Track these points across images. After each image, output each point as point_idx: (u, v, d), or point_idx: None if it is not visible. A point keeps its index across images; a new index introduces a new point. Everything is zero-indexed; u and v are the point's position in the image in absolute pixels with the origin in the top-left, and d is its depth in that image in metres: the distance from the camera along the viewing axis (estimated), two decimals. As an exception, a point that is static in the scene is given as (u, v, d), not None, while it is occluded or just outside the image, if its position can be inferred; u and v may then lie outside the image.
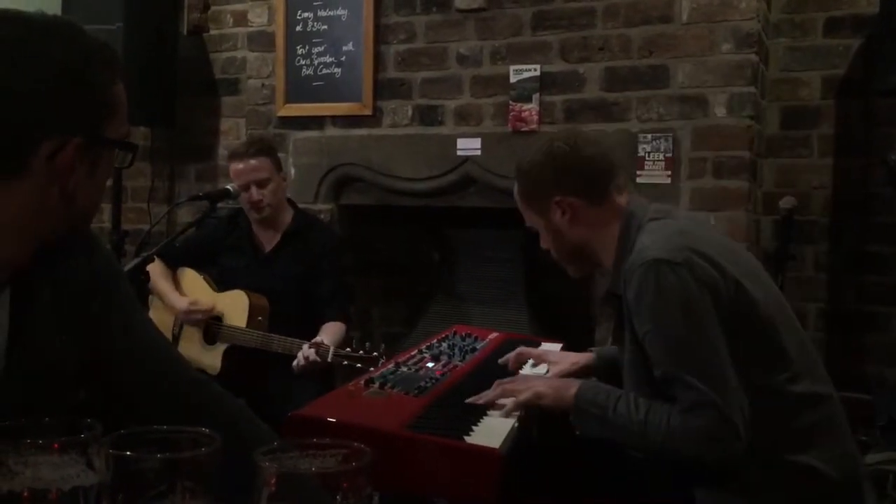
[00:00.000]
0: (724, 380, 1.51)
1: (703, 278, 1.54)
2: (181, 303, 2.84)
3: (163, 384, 1.17)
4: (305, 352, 2.54)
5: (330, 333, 2.70)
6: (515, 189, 1.88)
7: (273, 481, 0.65)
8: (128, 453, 0.66)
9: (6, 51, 1.00)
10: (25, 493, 0.69)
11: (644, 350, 1.59)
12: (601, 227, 1.77)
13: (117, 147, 1.11)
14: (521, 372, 2.09)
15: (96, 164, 1.07)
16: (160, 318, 2.92)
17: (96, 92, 1.05)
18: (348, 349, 2.52)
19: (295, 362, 2.57)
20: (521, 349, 2.14)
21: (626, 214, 1.74)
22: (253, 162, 2.83)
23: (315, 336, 2.64)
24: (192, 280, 2.96)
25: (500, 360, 2.13)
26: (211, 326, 2.85)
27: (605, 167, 1.80)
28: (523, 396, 1.70)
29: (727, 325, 1.54)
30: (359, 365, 2.45)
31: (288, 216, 2.95)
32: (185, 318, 2.85)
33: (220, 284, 2.95)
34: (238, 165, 2.84)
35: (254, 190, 2.82)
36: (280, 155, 3.21)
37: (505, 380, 1.80)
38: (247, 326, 2.77)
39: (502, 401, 1.71)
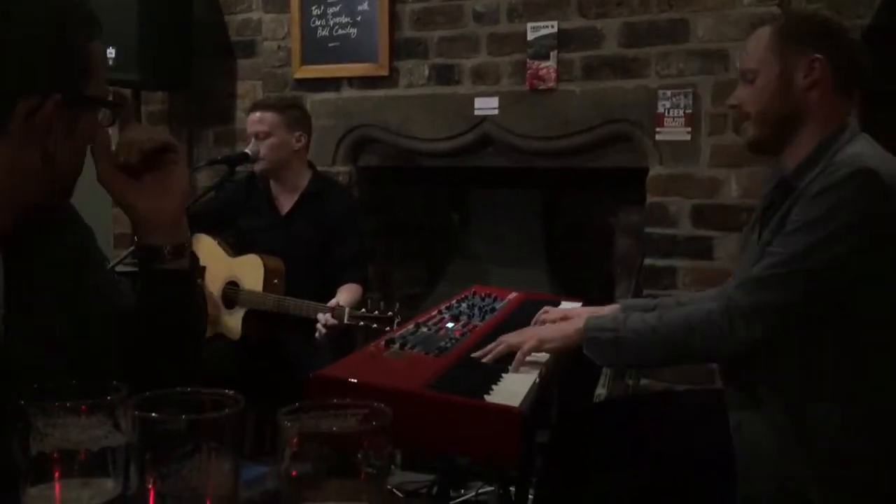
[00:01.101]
0: (797, 285, 1.53)
1: (891, 212, 1.52)
2: None
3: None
4: (322, 319, 2.56)
5: (346, 295, 2.73)
6: (770, 27, 1.73)
7: (295, 441, 0.66)
8: (153, 415, 0.68)
9: None
10: (56, 455, 0.71)
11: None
12: (824, 114, 1.67)
13: (100, 104, 1.11)
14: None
15: (75, 123, 1.07)
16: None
17: (73, 51, 1.05)
18: (363, 310, 2.54)
19: (317, 335, 2.60)
20: (546, 309, 2.13)
21: (843, 121, 1.68)
22: (258, 114, 2.91)
23: (332, 298, 2.66)
24: (207, 246, 2.97)
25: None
26: (228, 291, 2.88)
27: (866, 68, 1.72)
28: (527, 346, 1.69)
29: (885, 265, 1.53)
30: (374, 325, 2.47)
31: (305, 178, 2.96)
32: None
33: (240, 247, 2.97)
34: (250, 116, 2.94)
35: (253, 141, 2.87)
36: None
37: (508, 335, 1.78)
38: (263, 290, 2.79)
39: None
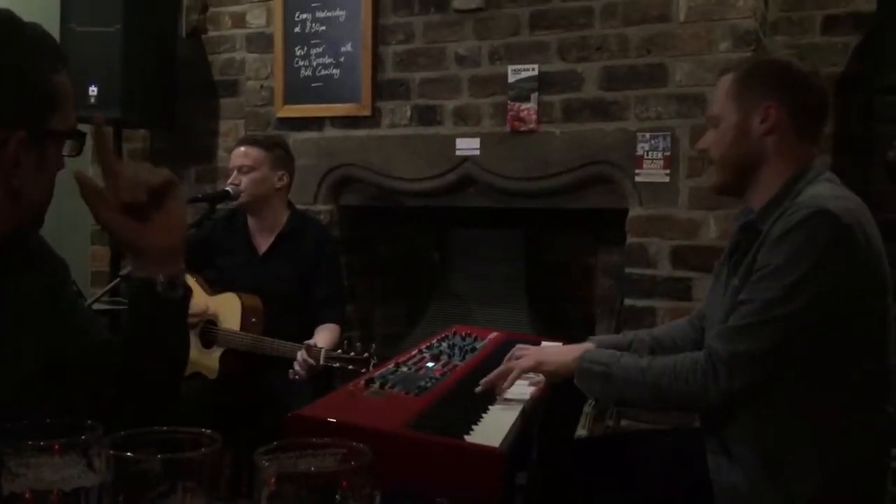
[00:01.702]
0: (773, 333, 1.53)
1: (857, 253, 1.53)
2: None
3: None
4: (300, 358, 2.56)
5: (323, 336, 2.72)
6: (732, 74, 1.78)
7: (272, 481, 0.66)
8: (128, 454, 0.67)
9: None
10: (27, 495, 0.69)
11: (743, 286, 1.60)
12: (783, 158, 1.69)
13: (65, 137, 1.11)
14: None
15: (43, 156, 1.07)
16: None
17: (37, 85, 1.05)
18: (339, 351, 2.53)
19: (291, 374, 2.58)
20: (518, 347, 2.14)
21: (806, 163, 1.69)
22: (243, 148, 2.92)
23: (311, 338, 2.65)
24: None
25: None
26: (206, 329, 2.85)
27: (825, 111, 1.74)
28: (525, 363, 1.75)
29: (847, 306, 1.54)
30: (350, 367, 2.46)
31: (283, 217, 2.96)
32: None
33: (218, 285, 2.95)
34: (234, 150, 2.95)
35: (234, 174, 2.88)
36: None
37: (510, 354, 1.86)
38: (241, 328, 2.77)
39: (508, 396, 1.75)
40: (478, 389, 1.77)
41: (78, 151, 1.15)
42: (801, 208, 1.55)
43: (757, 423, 1.61)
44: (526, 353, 1.80)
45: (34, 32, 1.08)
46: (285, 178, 2.94)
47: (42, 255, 1.20)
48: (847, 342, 1.57)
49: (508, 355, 2.12)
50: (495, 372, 1.79)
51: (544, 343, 2.40)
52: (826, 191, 1.61)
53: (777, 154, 1.70)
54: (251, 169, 2.87)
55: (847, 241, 1.53)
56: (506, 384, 1.76)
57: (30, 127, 1.04)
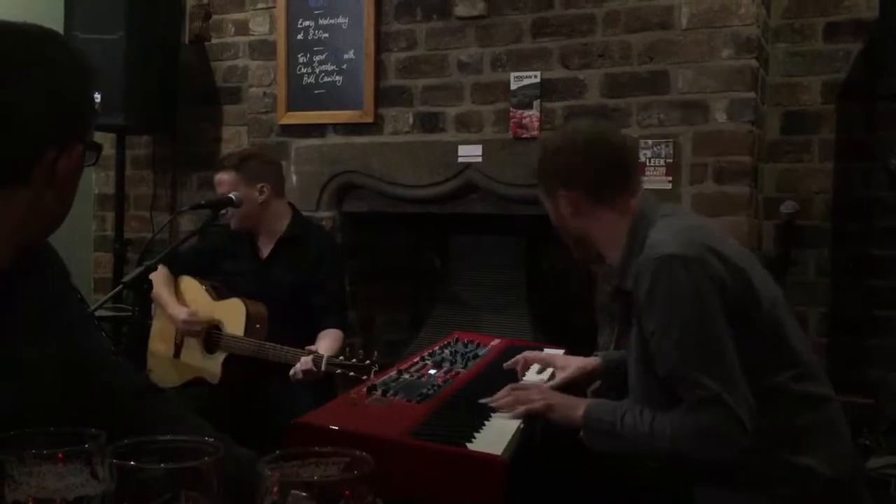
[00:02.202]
0: (731, 376, 1.51)
1: (714, 275, 1.54)
2: (180, 313, 2.84)
3: (109, 391, 1.20)
4: (303, 362, 2.55)
5: (325, 342, 2.72)
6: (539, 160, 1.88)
7: (275, 490, 0.66)
8: (131, 463, 0.67)
9: (4, 68, 1.03)
10: (30, 503, 0.69)
11: (650, 348, 1.59)
12: (606, 224, 1.76)
13: (94, 150, 1.16)
14: (526, 375, 2.10)
15: (82, 168, 1.12)
16: (163, 326, 2.92)
17: (90, 100, 1.12)
18: (341, 357, 2.52)
19: (292, 372, 2.58)
20: (528, 353, 2.15)
21: (635, 214, 1.73)
22: (218, 176, 2.91)
23: (313, 343, 2.65)
24: (191, 288, 2.96)
25: (505, 365, 2.13)
26: (211, 335, 2.86)
27: (620, 170, 1.77)
28: (536, 406, 1.72)
29: (735, 321, 1.54)
30: (352, 373, 2.46)
31: (284, 223, 2.95)
32: (184, 329, 2.85)
33: (223, 291, 2.96)
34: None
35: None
36: (282, 163, 3.22)
37: (518, 385, 1.83)
38: (245, 334, 2.77)
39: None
40: (482, 401, 1.76)
41: (94, 161, 1.18)
42: (648, 263, 1.58)
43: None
44: (534, 396, 1.75)
45: (77, 49, 1.13)
46: (266, 189, 2.88)
47: (47, 261, 1.21)
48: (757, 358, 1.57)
49: (511, 362, 2.12)
50: (501, 401, 1.75)
51: (547, 350, 2.41)
52: (662, 233, 1.64)
53: (598, 224, 1.77)
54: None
55: (702, 269, 1.54)
56: (510, 417, 1.71)
57: (83, 140, 1.10)
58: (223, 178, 2.89)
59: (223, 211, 2.88)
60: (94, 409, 1.15)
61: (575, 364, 2.08)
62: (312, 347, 2.61)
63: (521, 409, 1.71)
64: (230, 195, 2.79)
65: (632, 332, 1.70)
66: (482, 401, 1.75)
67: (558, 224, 1.85)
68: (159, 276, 2.78)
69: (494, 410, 1.73)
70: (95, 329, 1.28)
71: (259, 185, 2.88)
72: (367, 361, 2.46)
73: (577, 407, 1.69)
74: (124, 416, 1.17)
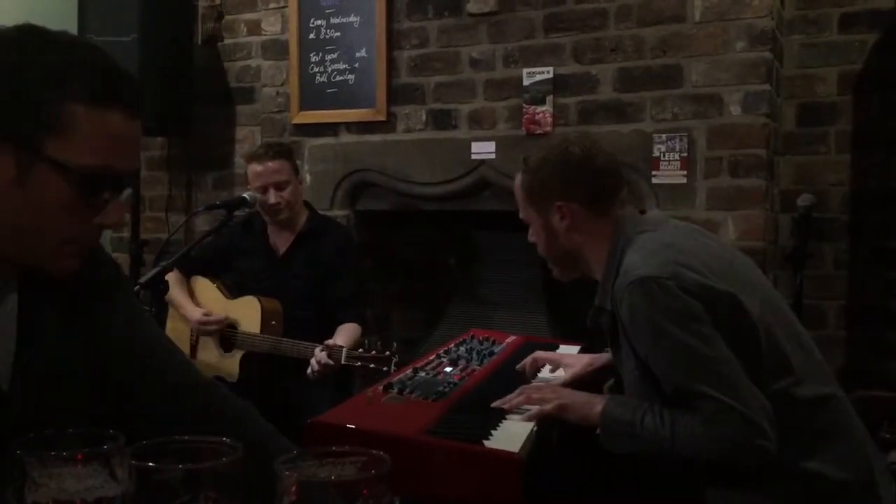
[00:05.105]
0: (737, 383, 1.50)
1: (692, 289, 1.53)
2: (195, 314, 2.85)
3: (167, 386, 1.18)
4: (318, 356, 2.54)
5: (344, 335, 2.70)
6: (518, 180, 1.87)
7: (293, 489, 0.66)
8: (150, 464, 0.67)
9: None
10: (50, 505, 0.70)
11: (649, 369, 1.58)
12: (597, 238, 1.76)
13: (64, 171, 1.00)
14: (538, 376, 2.09)
15: (27, 179, 1.00)
16: (177, 327, 2.94)
17: (42, 105, 1.00)
18: (360, 350, 2.51)
19: (309, 369, 2.58)
20: (537, 354, 2.13)
21: (614, 231, 1.73)
22: (272, 164, 2.84)
23: (331, 338, 2.65)
24: (205, 288, 2.97)
25: (517, 367, 2.11)
26: (226, 334, 2.87)
27: (614, 180, 1.79)
28: (548, 408, 1.70)
29: (721, 331, 1.53)
30: (372, 365, 2.44)
31: (302, 218, 2.96)
32: (199, 330, 2.87)
33: (237, 289, 2.97)
34: (257, 168, 2.85)
35: (272, 192, 2.83)
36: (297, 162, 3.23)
37: (530, 386, 1.80)
38: (260, 332, 2.78)
39: (526, 406, 1.71)
40: (494, 404, 1.75)
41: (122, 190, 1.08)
42: (624, 287, 1.57)
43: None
44: (547, 396, 1.74)
45: (67, 60, 1.05)
46: (301, 181, 2.97)
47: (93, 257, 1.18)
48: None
49: (521, 365, 2.10)
50: (513, 402, 1.74)
51: (562, 347, 2.40)
52: (637, 254, 1.63)
53: (590, 238, 1.76)
54: (287, 182, 2.85)
55: (679, 284, 1.52)
56: (523, 419, 1.70)
57: (18, 142, 0.99)
58: (282, 166, 2.85)
59: (237, 211, 2.89)
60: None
61: (583, 362, 2.08)
62: (331, 341, 2.60)
63: (534, 410, 1.70)
64: (244, 195, 2.79)
65: (621, 350, 1.68)
66: (494, 404, 1.74)
67: (545, 241, 1.84)
68: (174, 277, 2.80)
69: (509, 410, 1.72)
70: (145, 322, 1.27)
71: (298, 177, 2.97)
72: (387, 353, 2.44)
73: (594, 405, 1.67)
74: (186, 407, 1.16)
